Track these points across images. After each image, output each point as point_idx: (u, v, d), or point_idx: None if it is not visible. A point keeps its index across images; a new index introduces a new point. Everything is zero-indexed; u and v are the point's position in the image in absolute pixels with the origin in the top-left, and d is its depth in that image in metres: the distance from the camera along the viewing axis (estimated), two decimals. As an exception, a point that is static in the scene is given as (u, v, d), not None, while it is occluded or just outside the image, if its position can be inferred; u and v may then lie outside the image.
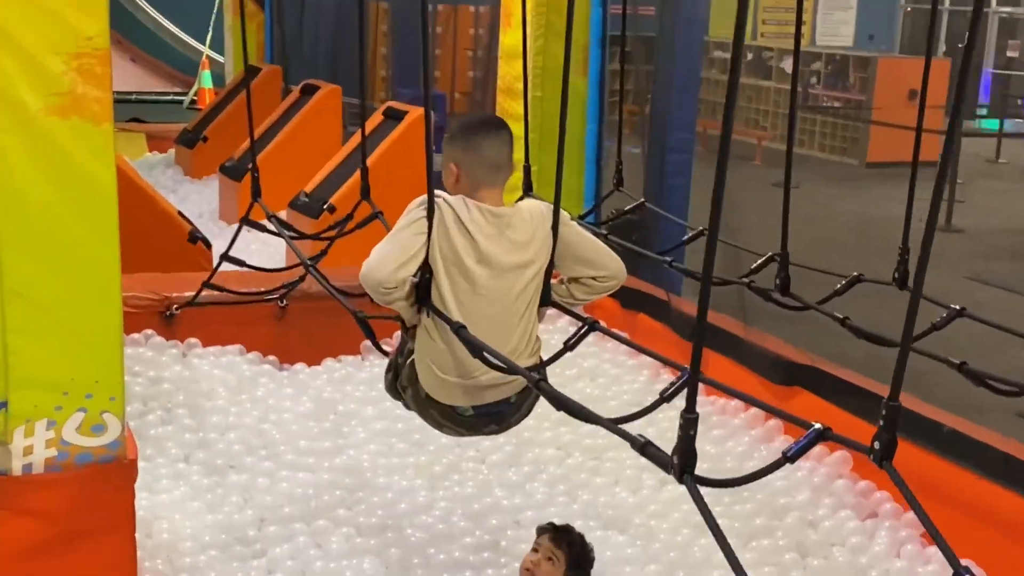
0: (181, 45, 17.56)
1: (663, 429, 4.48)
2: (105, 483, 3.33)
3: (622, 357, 5.77)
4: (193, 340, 5.53)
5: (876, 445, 2.21)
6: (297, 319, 5.76)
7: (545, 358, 3.33)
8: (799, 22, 4.07)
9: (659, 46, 7.16)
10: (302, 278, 5.61)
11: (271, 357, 5.62)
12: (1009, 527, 3.94)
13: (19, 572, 3.27)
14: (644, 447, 2.34)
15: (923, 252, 2.07)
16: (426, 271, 3.10)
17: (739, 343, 5.32)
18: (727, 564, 3.96)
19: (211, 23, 15.18)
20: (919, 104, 4.04)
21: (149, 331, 5.46)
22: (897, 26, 20.43)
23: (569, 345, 3.38)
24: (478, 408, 3.19)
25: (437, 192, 3.13)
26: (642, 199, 5.46)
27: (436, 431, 3.42)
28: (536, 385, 2.83)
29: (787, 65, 17.50)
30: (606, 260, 3.34)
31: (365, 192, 5.04)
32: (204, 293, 5.57)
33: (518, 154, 5.14)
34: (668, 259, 4.87)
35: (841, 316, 4.06)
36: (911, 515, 4.20)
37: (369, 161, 5.18)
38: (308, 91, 9.71)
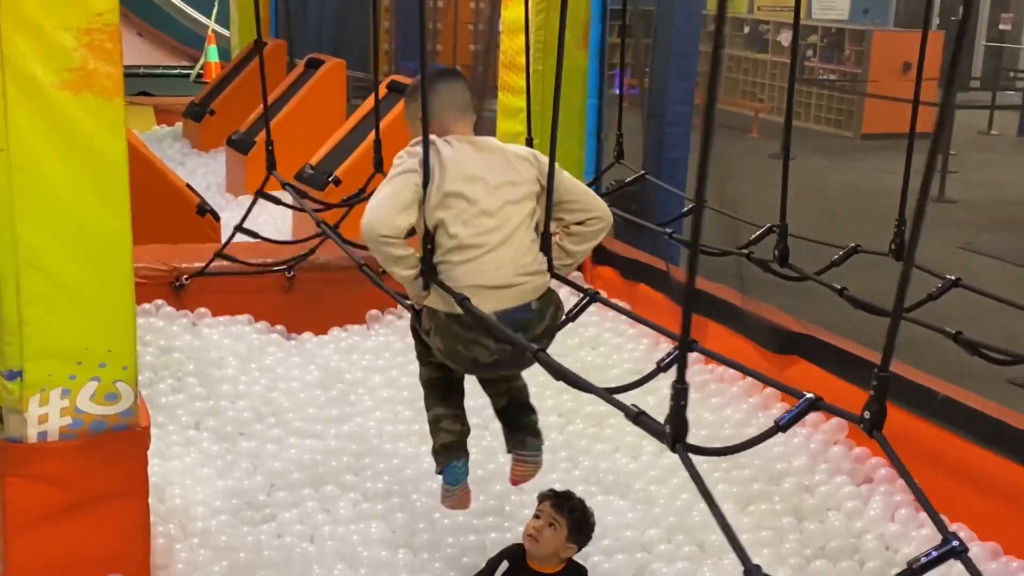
0: (187, 19, 17.54)
1: (663, 397, 4.54)
2: (119, 450, 3.41)
3: (623, 327, 5.86)
4: (203, 310, 5.63)
5: (866, 415, 2.28)
6: (304, 289, 5.85)
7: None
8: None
9: (658, 20, 7.21)
10: (312, 251, 5.69)
11: (279, 327, 5.72)
12: (1001, 493, 4.01)
13: (36, 537, 3.35)
14: (637, 417, 2.41)
15: (915, 223, 2.13)
16: (428, 241, 3.21)
17: (736, 312, 5.39)
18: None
19: (217, -3, 15.19)
20: (916, 75, 4.09)
21: (159, 301, 5.56)
22: (891, 0, 20.44)
23: (571, 316, 3.48)
24: (500, 314, 3.23)
25: (416, 140, 3.29)
26: (643, 171, 5.53)
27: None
28: (535, 355, 2.91)
29: (784, 38, 17.51)
30: (592, 201, 3.47)
31: (378, 164, 5.13)
32: (214, 264, 5.66)
33: (521, 127, 5.23)
34: (668, 231, 4.94)
35: (839, 287, 4.14)
36: (905, 480, 4.28)
37: (374, 134, 5.25)
38: (313, 65, 9.75)
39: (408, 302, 3.50)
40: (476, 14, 14.05)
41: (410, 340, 4.88)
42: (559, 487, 3.68)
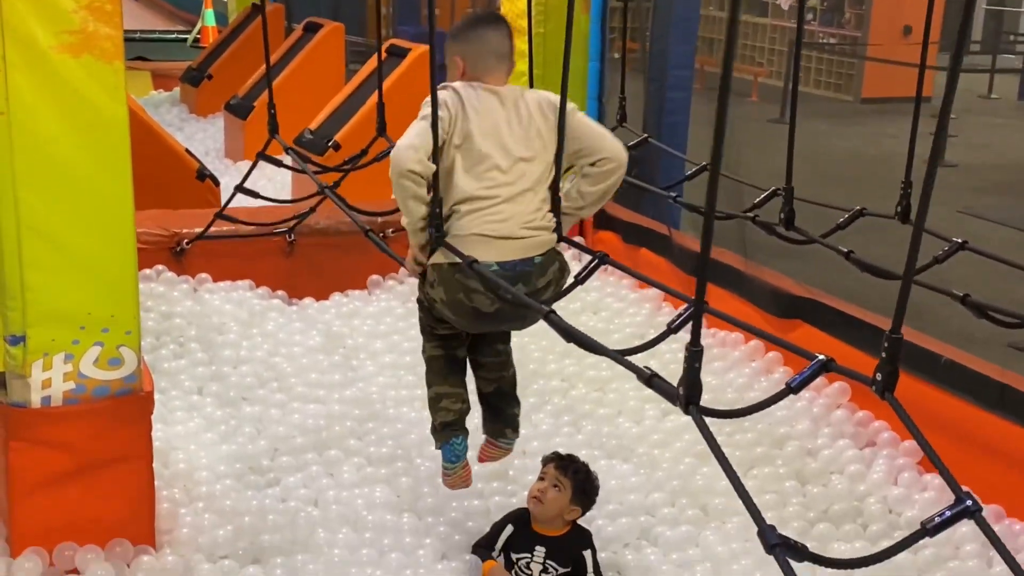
0: (183, -17, 17.48)
1: (665, 361, 4.57)
2: (122, 415, 3.40)
3: (624, 291, 5.85)
4: (204, 275, 5.61)
5: (878, 377, 2.28)
6: (305, 255, 5.83)
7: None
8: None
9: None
10: (312, 210, 5.67)
11: (280, 292, 5.70)
12: (1004, 456, 4.02)
13: (41, 501, 3.35)
14: (650, 379, 2.41)
15: (926, 187, 2.13)
16: (436, 205, 3.20)
17: (740, 277, 5.38)
18: (729, 492, 4.07)
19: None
20: (923, 39, 4.06)
21: (160, 267, 5.54)
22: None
23: (580, 278, 3.48)
24: (503, 264, 3.23)
25: (446, 84, 3.28)
26: (645, 135, 5.50)
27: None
28: (547, 317, 2.90)
29: (783, 1, 17.42)
30: (599, 141, 3.41)
31: (381, 128, 5.12)
32: (214, 228, 5.63)
33: (522, 81, 5.18)
34: (672, 194, 4.92)
35: (845, 250, 4.12)
36: (908, 443, 4.29)
37: (374, 99, 5.23)
38: (311, 29, 9.70)
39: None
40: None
41: (411, 305, 4.88)
42: (563, 451, 3.69)
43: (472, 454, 3.71)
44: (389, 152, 5.11)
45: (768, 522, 3.83)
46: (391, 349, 5.16)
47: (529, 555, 3.51)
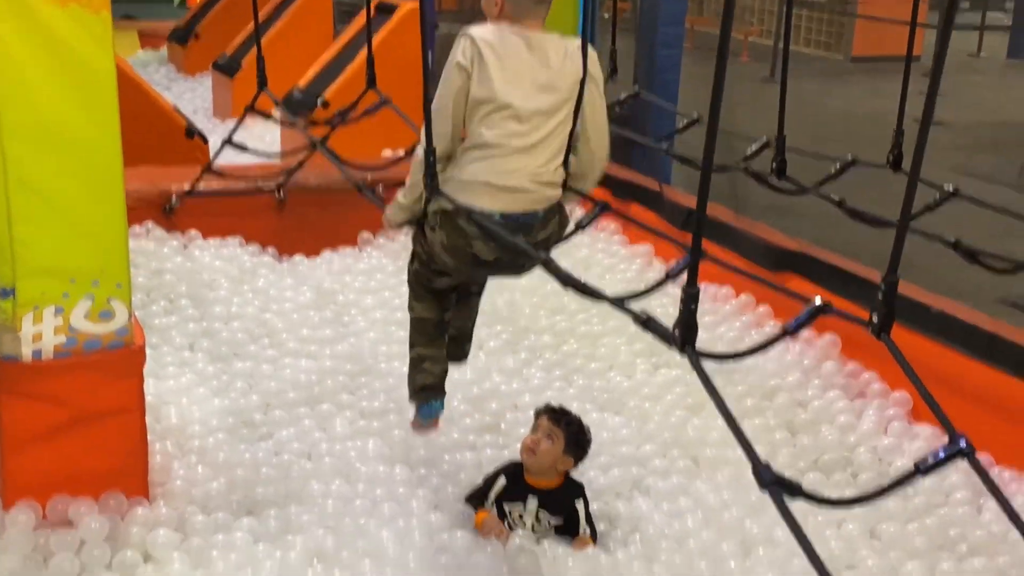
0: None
1: (658, 316, 4.57)
2: (114, 368, 3.39)
3: (615, 247, 5.85)
4: (193, 232, 5.60)
5: (874, 318, 2.28)
6: (295, 211, 5.81)
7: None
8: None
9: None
10: (300, 164, 5.65)
11: (270, 248, 5.69)
12: (994, 404, 4.03)
13: (34, 455, 3.35)
14: (646, 322, 2.41)
15: (922, 127, 2.12)
16: (431, 154, 3.19)
17: (730, 231, 5.38)
18: (719, 443, 4.09)
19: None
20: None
21: (149, 223, 5.52)
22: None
23: (582, 225, 3.48)
24: (506, 216, 3.22)
25: (470, 31, 3.22)
26: (636, 89, 5.48)
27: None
28: (545, 264, 2.89)
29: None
30: (599, 134, 3.39)
31: (371, 81, 5.09)
32: (203, 185, 5.61)
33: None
34: (665, 146, 4.91)
35: (837, 198, 4.12)
36: (898, 394, 4.31)
37: (363, 55, 5.20)
38: (298, -13, 9.63)
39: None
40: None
41: (402, 263, 4.87)
42: (555, 404, 3.69)
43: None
44: (379, 106, 5.13)
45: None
46: (382, 305, 5.16)
47: (522, 505, 3.52)
